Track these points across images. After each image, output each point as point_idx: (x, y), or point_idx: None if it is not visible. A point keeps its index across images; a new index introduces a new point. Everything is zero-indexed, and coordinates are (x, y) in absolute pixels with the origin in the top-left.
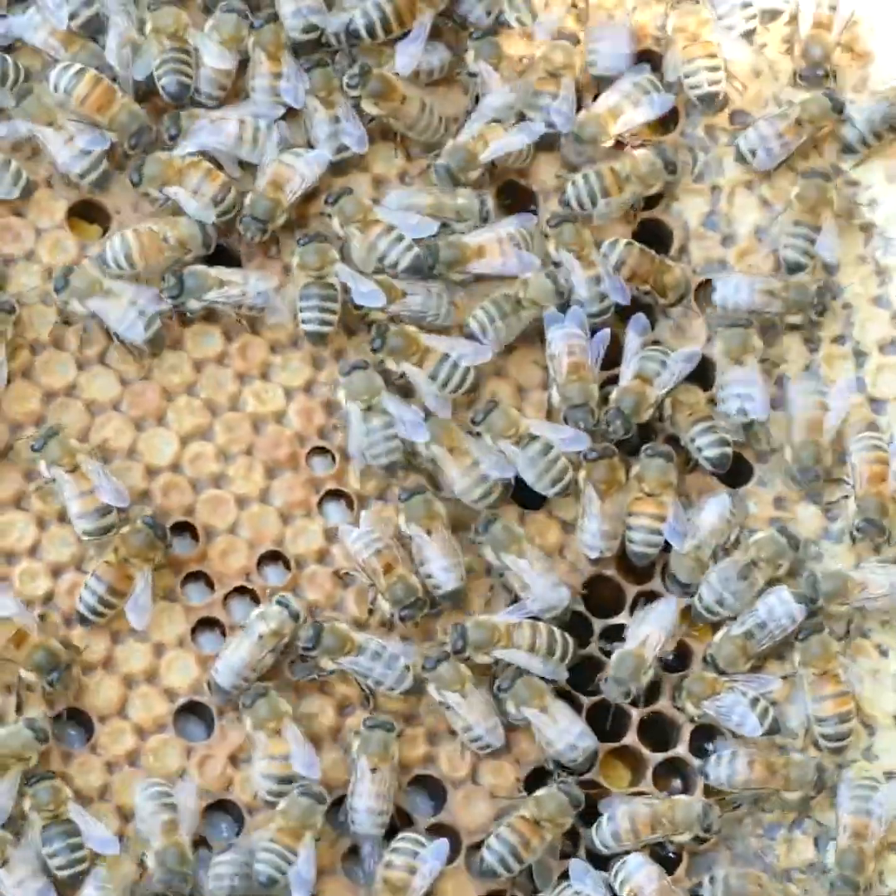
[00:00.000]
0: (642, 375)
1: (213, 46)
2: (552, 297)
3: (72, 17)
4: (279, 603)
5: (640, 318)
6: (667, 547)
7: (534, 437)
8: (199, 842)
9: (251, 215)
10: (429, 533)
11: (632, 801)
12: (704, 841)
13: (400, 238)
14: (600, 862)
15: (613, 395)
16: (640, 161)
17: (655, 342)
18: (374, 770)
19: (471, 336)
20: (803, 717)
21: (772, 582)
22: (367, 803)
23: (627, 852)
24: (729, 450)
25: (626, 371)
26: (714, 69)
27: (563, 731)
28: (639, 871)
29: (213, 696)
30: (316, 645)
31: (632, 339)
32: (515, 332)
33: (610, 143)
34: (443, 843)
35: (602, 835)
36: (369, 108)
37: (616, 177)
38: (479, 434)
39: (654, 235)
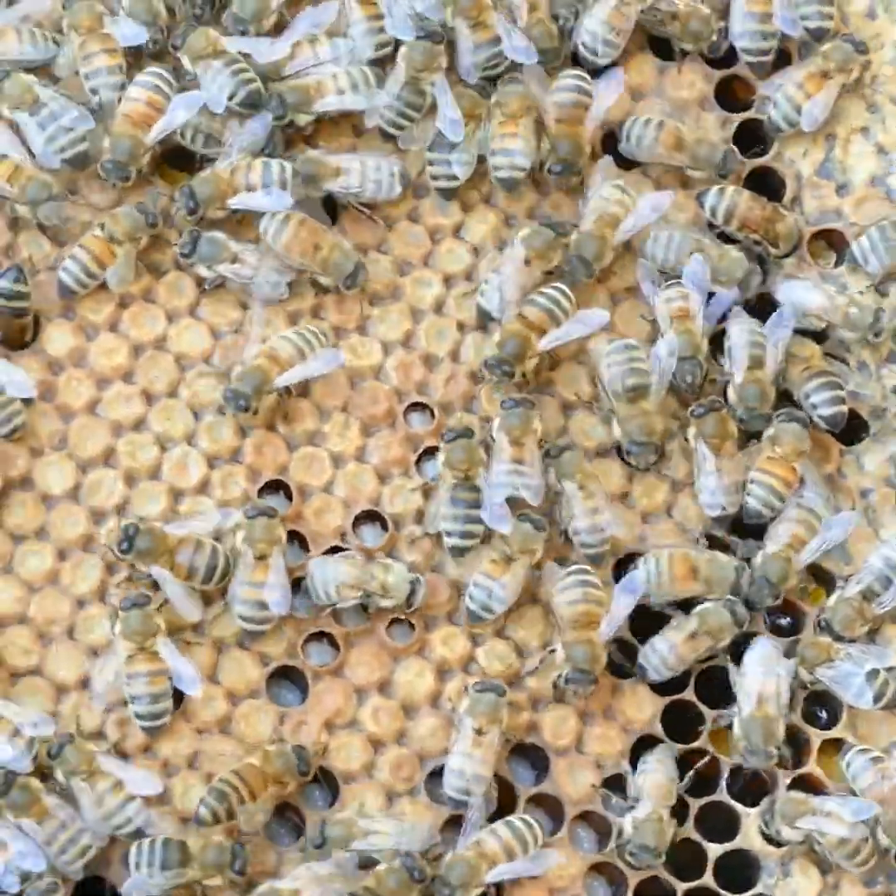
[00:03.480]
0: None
1: None
2: None
3: None
4: (412, 581)
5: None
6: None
7: None
8: (292, 809)
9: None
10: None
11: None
12: None
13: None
14: None
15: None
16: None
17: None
18: (479, 731)
19: None
20: None
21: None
22: (463, 764)
23: None
24: (845, 408)
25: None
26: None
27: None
28: None
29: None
30: None
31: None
32: None
33: None
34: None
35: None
36: None
37: None
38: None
39: (765, 185)
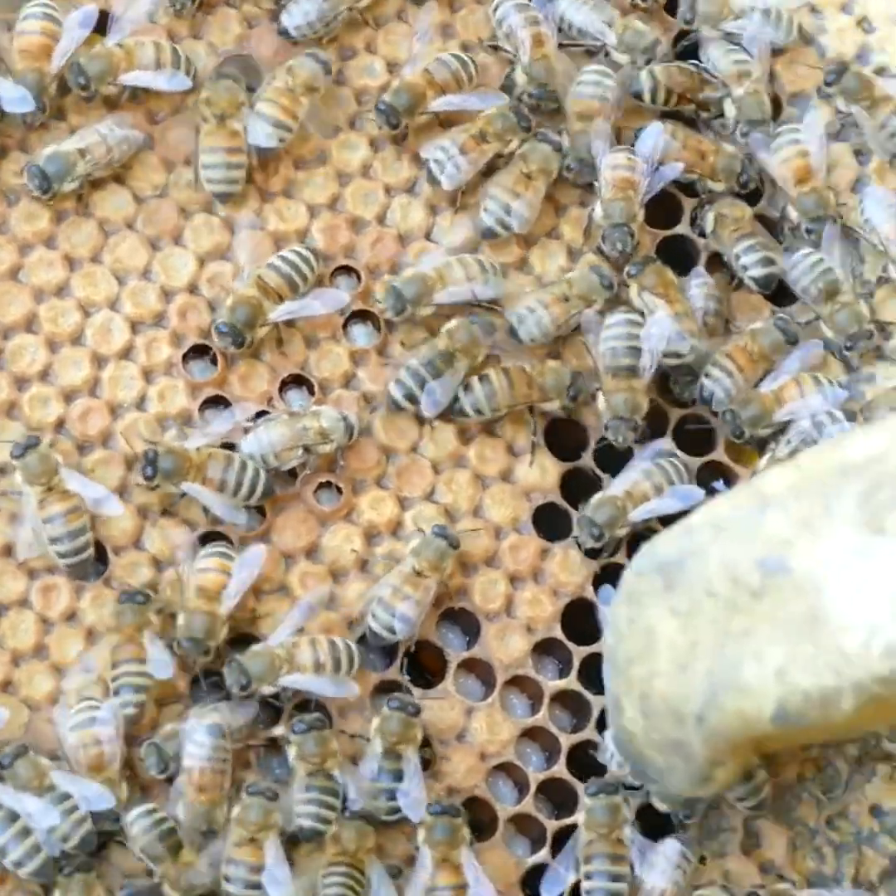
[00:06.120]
0: None
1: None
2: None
3: None
4: (343, 417)
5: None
6: None
7: None
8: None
9: None
10: None
11: None
12: None
13: None
14: None
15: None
16: None
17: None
18: (419, 573)
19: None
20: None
21: None
22: (393, 599)
23: None
24: (776, 269)
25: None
26: None
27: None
28: None
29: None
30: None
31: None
32: None
33: None
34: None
35: None
36: None
37: None
38: None
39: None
